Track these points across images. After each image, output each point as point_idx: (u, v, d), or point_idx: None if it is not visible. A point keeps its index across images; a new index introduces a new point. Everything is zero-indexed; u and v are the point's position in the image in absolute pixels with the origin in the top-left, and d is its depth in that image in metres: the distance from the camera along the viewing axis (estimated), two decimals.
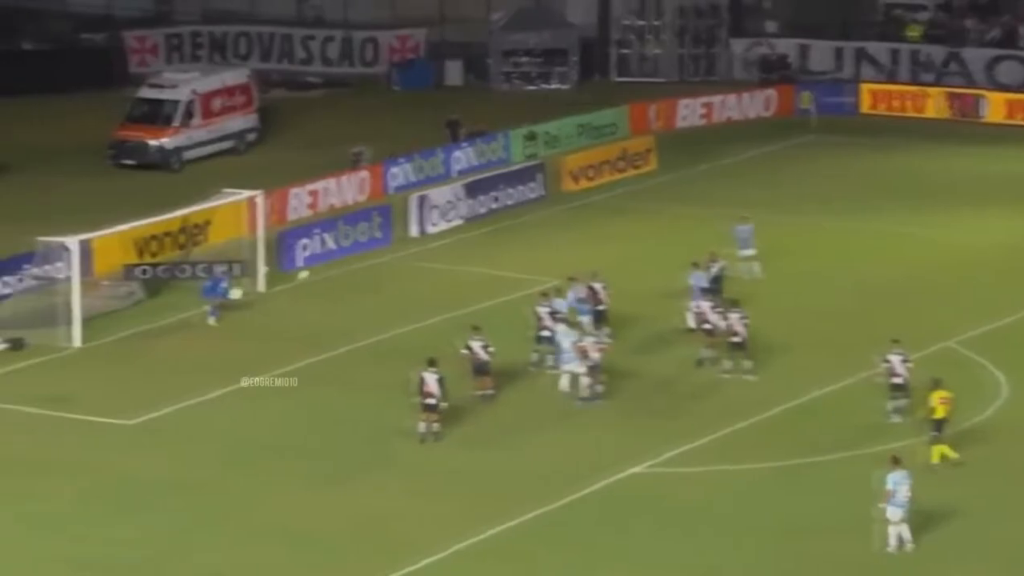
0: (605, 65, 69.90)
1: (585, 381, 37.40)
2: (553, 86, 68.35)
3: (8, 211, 51.70)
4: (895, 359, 36.44)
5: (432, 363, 35.77)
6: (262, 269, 45.39)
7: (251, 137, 60.20)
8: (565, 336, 37.90)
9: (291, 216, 50.97)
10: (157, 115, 57.88)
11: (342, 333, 41.77)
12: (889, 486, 30.97)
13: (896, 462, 31.33)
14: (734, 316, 38.89)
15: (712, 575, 30.86)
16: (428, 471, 34.67)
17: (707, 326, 39.62)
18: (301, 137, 61.26)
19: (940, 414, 34.42)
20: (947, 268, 47.25)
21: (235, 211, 46.53)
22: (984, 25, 68.74)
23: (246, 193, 46.23)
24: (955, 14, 69.89)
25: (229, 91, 59.51)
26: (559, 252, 47.62)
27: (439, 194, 51.46)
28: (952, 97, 64.53)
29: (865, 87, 65.55)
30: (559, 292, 40.81)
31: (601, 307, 41.02)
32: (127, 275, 44.47)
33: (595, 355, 37.37)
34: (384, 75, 69.57)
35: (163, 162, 57.29)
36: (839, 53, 68.44)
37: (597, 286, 41.29)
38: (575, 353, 37.39)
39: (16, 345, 41.10)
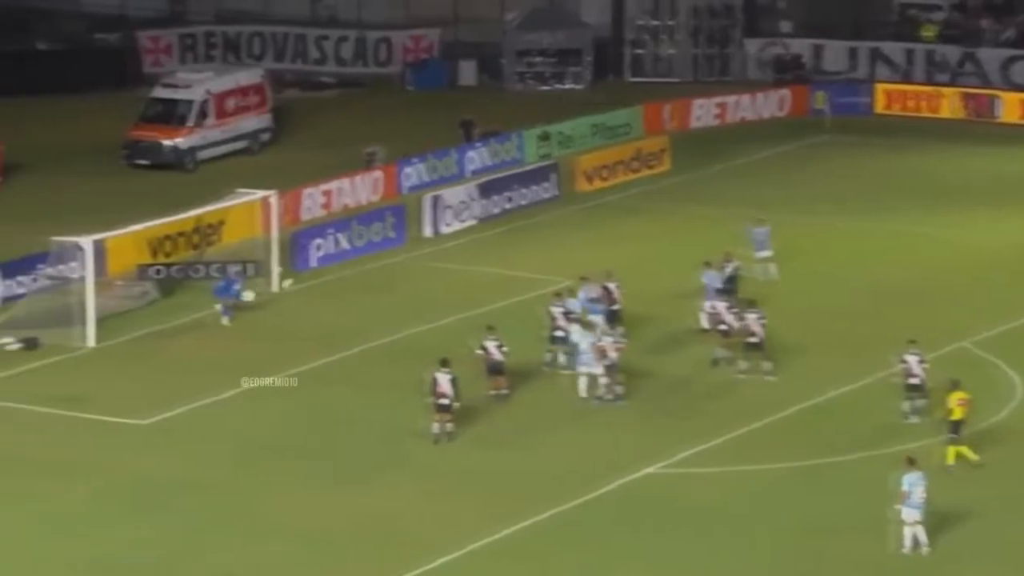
0: (619, 65, 69.83)
1: (604, 381, 37.34)
2: (567, 86, 68.29)
3: (22, 211, 51.76)
4: (912, 359, 36.36)
5: (444, 363, 35.73)
6: (276, 269, 45.38)
7: (265, 137, 60.19)
8: (583, 337, 37.83)
9: (305, 216, 50.96)
10: (171, 115, 57.89)
11: (356, 333, 41.75)
12: (905, 487, 30.88)
13: (911, 463, 31.24)
14: (752, 316, 38.79)
15: (727, 575, 30.87)
16: (442, 471, 34.64)
17: (723, 327, 39.53)
18: (315, 137, 61.26)
19: (958, 415, 34.33)
20: (962, 268, 47.14)
21: (249, 211, 46.53)
22: (999, 25, 68.58)
23: (260, 193, 46.22)
24: (970, 14, 69.74)
25: (243, 91, 59.51)
26: (573, 252, 47.57)
27: (453, 194, 51.42)
28: (967, 97, 64.39)
29: (880, 87, 65.42)
30: (572, 292, 40.76)
31: (615, 307, 40.98)
32: (141, 275, 44.48)
33: (613, 355, 37.31)
34: (398, 75, 69.55)
35: (177, 162, 57.30)
36: (853, 53, 68.32)
37: (611, 286, 41.26)
38: (594, 354, 37.32)
39: (30, 345, 41.12)
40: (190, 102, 58.09)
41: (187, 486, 33.96)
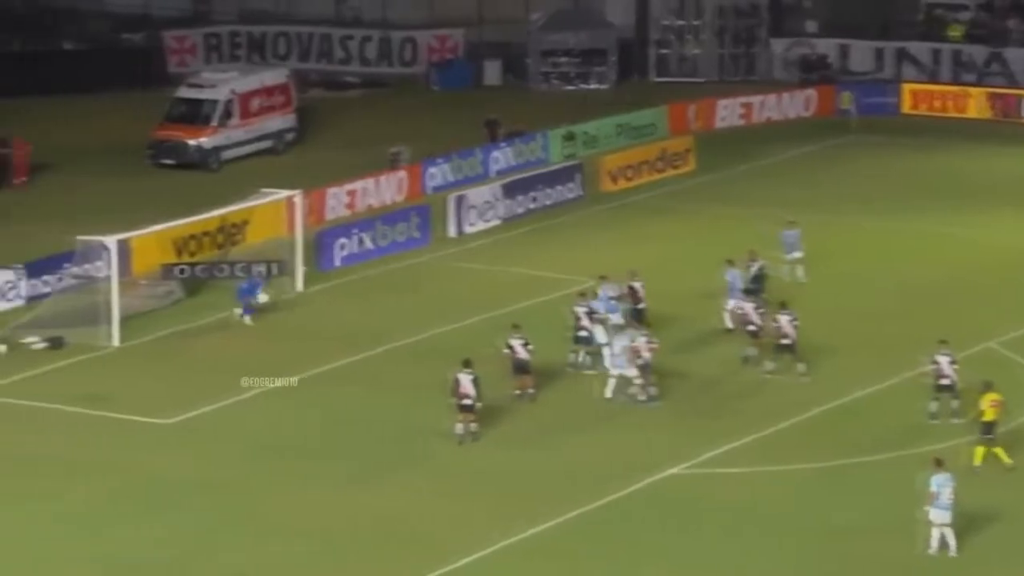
0: (644, 65, 69.70)
1: (638, 382, 37.25)
2: (592, 86, 68.18)
3: (48, 210, 51.86)
4: (943, 360, 36.23)
5: (467, 364, 35.66)
6: (300, 269, 45.35)
7: (289, 137, 60.19)
8: (618, 340, 37.68)
9: (329, 216, 50.94)
10: (196, 115, 57.92)
11: (380, 333, 41.70)
12: (933, 488, 30.74)
13: (939, 464, 31.10)
14: (784, 319, 38.62)
15: (755, 575, 30.74)
16: (466, 471, 34.57)
17: (751, 327, 39.40)
18: (339, 137, 61.25)
19: (990, 416, 34.20)
20: (988, 269, 46.92)
21: (273, 211, 46.51)
22: None
23: (284, 193, 46.21)
24: (997, 14, 69.46)
25: (268, 91, 59.51)
26: (597, 252, 47.46)
27: (477, 194, 51.36)
28: (994, 97, 64.14)
29: (906, 87, 65.21)
30: (596, 293, 40.64)
31: (641, 305, 40.90)
32: (165, 274, 44.49)
33: (647, 355, 37.22)
34: (423, 75, 69.53)
35: (201, 162, 57.34)
36: (879, 53, 68.12)
37: (636, 285, 41.19)
38: (628, 355, 37.19)
39: (55, 344, 41.16)
40: (215, 102, 58.12)
41: (208, 485, 33.95)
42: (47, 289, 43.81)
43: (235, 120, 58.32)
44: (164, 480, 34.14)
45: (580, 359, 39.36)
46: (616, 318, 39.68)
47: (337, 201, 51.71)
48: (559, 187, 53.41)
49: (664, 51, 69.68)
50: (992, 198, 53.69)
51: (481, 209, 51.04)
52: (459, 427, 35.68)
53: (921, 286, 45.36)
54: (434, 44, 70.50)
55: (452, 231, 50.21)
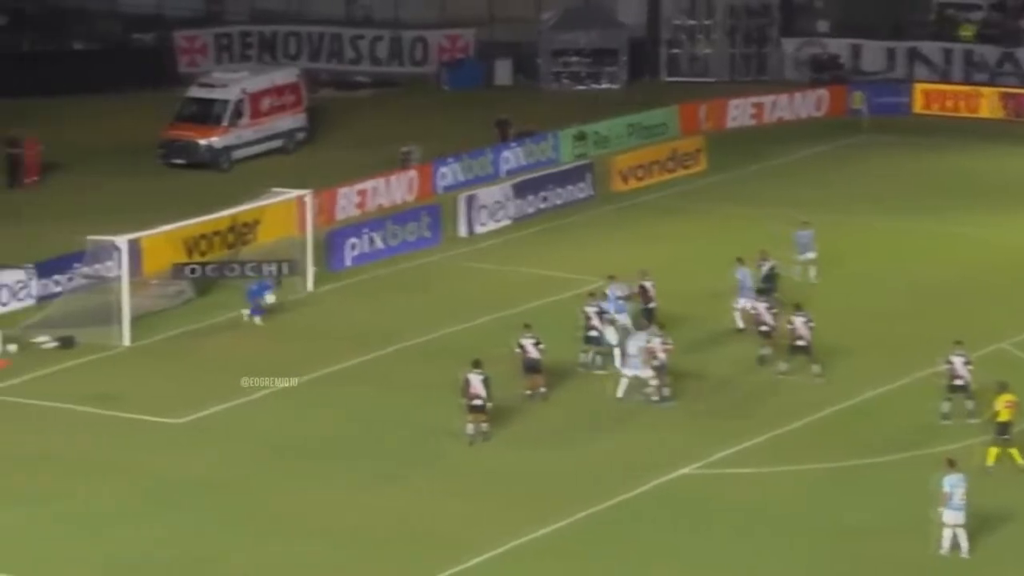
0: (655, 65, 69.61)
1: (653, 383, 37.18)
2: (603, 86, 68.10)
3: (59, 210, 51.85)
4: (957, 360, 36.17)
5: (477, 364, 35.61)
6: (311, 269, 45.32)
7: (300, 136, 60.18)
8: (633, 340, 37.59)
9: (340, 216, 50.91)
10: (207, 114, 57.91)
11: (390, 333, 41.66)
12: (946, 489, 30.66)
13: (952, 465, 31.01)
14: (799, 320, 38.52)
15: (766, 575, 30.67)
16: (477, 471, 34.52)
17: (764, 327, 39.32)
18: (350, 137, 61.22)
19: (1005, 417, 34.12)
20: (1001, 269, 46.79)
21: (284, 210, 46.51)
22: None
23: (295, 192, 46.18)
24: (1009, 14, 69.31)
25: (278, 90, 59.50)
26: (608, 252, 47.39)
27: (488, 194, 51.31)
28: (1006, 97, 64.01)
29: (918, 87, 65.09)
30: (606, 293, 40.58)
31: (651, 305, 40.85)
32: (176, 274, 44.48)
33: (662, 356, 37.17)
34: (433, 75, 69.47)
35: (212, 161, 57.33)
36: (891, 53, 68.00)
37: (647, 284, 41.15)
38: (643, 356, 37.12)
39: (66, 343, 41.16)
40: (225, 102, 58.11)
41: (218, 485, 33.91)
42: (58, 289, 43.81)
43: (246, 120, 58.31)
44: (174, 480, 34.12)
45: (591, 359, 39.29)
46: (623, 319, 39.61)
47: (348, 201, 51.69)
48: (570, 187, 53.35)
49: (675, 51, 69.58)
50: (1004, 198, 53.56)
51: (492, 209, 50.99)
52: (470, 427, 35.62)
53: (933, 286, 45.24)
54: (445, 44, 70.46)
55: (463, 231, 50.16)
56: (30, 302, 43.68)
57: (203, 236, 46.60)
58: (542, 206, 52.29)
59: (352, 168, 54.28)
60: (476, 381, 35.42)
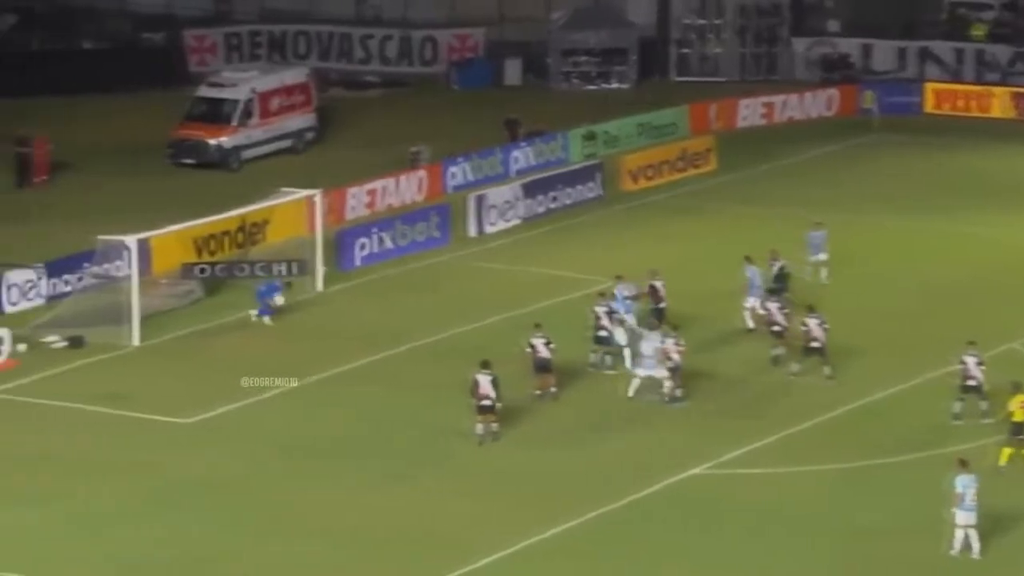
0: (665, 64, 69.46)
1: (668, 384, 37.08)
2: (613, 85, 67.97)
3: (68, 209, 51.81)
4: (970, 361, 36.07)
5: (485, 365, 35.53)
6: (320, 268, 45.25)
7: (309, 136, 60.10)
8: (648, 341, 37.48)
9: (349, 215, 50.83)
10: (216, 114, 57.84)
11: (400, 333, 41.59)
12: (958, 489, 30.55)
13: (964, 465, 30.91)
14: (813, 322, 38.39)
15: (779, 575, 30.56)
16: (488, 471, 34.45)
17: (776, 328, 39.22)
18: (359, 136, 61.15)
19: (1020, 417, 34.05)
20: (1011, 269, 46.64)
21: (293, 210, 46.44)
22: None
23: (304, 192, 46.12)
24: (1021, 13, 69.14)
25: (288, 90, 59.43)
26: (618, 252, 47.29)
27: (497, 194, 51.22)
28: (1018, 97, 63.80)
29: (929, 86, 64.92)
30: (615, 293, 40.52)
31: (661, 305, 40.77)
32: (185, 274, 44.42)
33: (676, 357, 37.07)
34: (443, 74, 69.37)
35: (222, 161, 57.26)
36: (902, 53, 67.82)
37: (657, 284, 41.07)
38: (658, 357, 37.01)
39: (75, 343, 41.11)
40: (235, 101, 58.03)
41: (226, 485, 33.86)
42: (67, 288, 43.77)
43: (255, 119, 58.24)
44: (183, 480, 34.06)
45: (600, 359, 39.20)
46: (629, 318, 39.51)
47: (357, 200, 51.60)
48: (579, 187, 53.25)
49: (685, 50, 69.43)
50: (1016, 198, 53.39)
51: (501, 209, 50.91)
52: (479, 428, 35.54)
53: (944, 286, 45.11)
54: (454, 43, 70.36)
55: (472, 231, 50.08)
56: (39, 302, 43.65)
57: (212, 236, 46.54)
58: (552, 206, 52.19)
59: (361, 168, 54.20)
60: (485, 382, 35.34)
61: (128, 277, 41.66)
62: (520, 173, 55.01)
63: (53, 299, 43.56)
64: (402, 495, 33.42)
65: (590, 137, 58.08)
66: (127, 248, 41.84)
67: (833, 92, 64.41)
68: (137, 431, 36.53)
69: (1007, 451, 33.93)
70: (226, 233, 46.93)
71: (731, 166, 56.45)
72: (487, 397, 35.34)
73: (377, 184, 52.48)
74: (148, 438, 36.20)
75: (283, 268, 43.91)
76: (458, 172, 54.64)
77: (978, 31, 68.01)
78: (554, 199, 52.37)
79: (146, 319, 41.80)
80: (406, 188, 53.17)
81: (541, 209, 51.87)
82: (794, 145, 59.17)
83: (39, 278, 43.94)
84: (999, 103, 63.74)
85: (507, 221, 50.89)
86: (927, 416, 36.56)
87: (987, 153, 58.87)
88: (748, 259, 41.88)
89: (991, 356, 38.03)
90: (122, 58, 67.90)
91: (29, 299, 43.67)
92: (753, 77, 68.44)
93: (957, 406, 36.19)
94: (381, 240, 47.94)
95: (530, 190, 51.88)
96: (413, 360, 40.19)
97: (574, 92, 67.42)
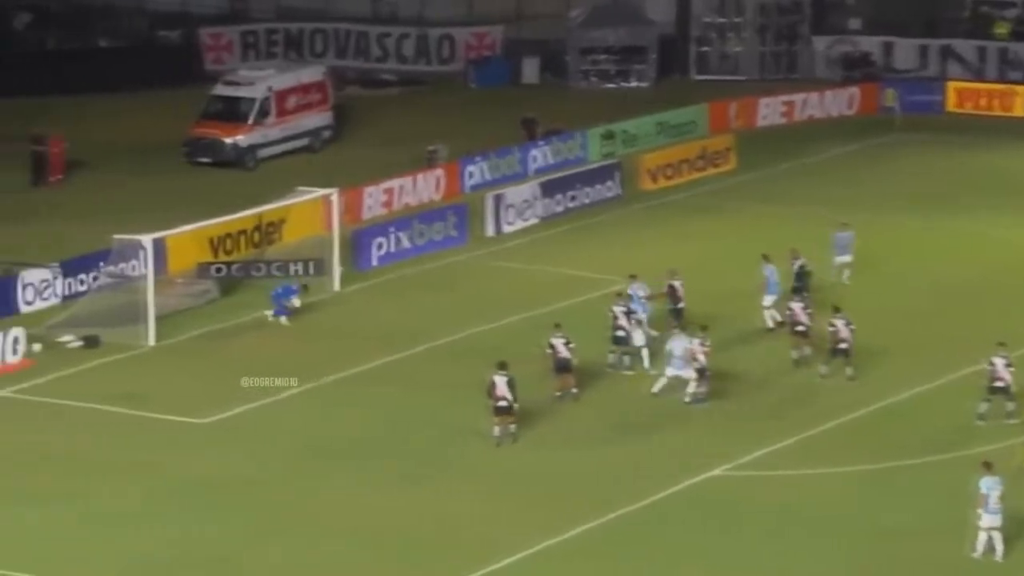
0: (684, 63, 69.13)
1: (693, 385, 36.85)
2: (632, 84, 67.65)
3: (84, 208, 51.66)
4: (999, 362, 35.81)
5: (502, 366, 35.29)
6: (337, 268, 45.01)
7: (326, 135, 59.88)
8: (678, 342, 37.16)
9: (366, 215, 50.61)
10: (232, 112, 57.64)
11: (417, 333, 41.35)
12: (983, 491, 30.28)
13: (988, 467, 30.64)
14: (840, 322, 38.05)
15: None
16: (506, 472, 34.23)
17: (800, 328, 38.92)
18: (376, 135, 60.93)
19: None
20: None
21: (310, 209, 46.23)
22: None
23: (321, 191, 45.89)
24: None
25: (304, 88, 59.21)
26: (636, 251, 47.03)
27: (515, 193, 50.96)
28: None
29: (951, 85, 64.53)
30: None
31: (680, 304, 40.49)
32: (201, 273, 44.23)
33: (701, 358, 36.81)
34: (461, 73, 69.12)
35: (238, 160, 57.06)
36: (924, 51, 67.45)
37: (676, 283, 40.81)
38: (686, 357, 36.70)
39: (91, 343, 40.92)
40: (251, 100, 57.82)
41: (244, 485, 33.68)
42: (83, 288, 43.61)
43: (272, 118, 58.03)
44: (198, 480, 33.87)
45: (619, 360, 38.92)
46: (643, 318, 39.23)
47: (374, 200, 51.37)
48: (598, 186, 52.96)
49: (705, 48, 69.08)
50: None
51: (519, 208, 50.63)
52: (496, 429, 35.30)
53: (965, 286, 44.78)
54: (472, 41, 70.11)
55: (490, 230, 49.81)
56: (55, 301, 43.49)
57: (228, 235, 46.34)
58: (570, 205, 51.91)
59: (379, 167, 53.98)
60: (501, 383, 35.10)
61: (144, 276, 41.48)
62: (538, 172, 54.74)
63: (68, 299, 43.40)
64: (419, 496, 33.19)
65: (609, 136, 57.78)
66: (143, 247, 41.66)
67: (854, 91, 64.04)
68: (153, 431, 36.35)
69: None
70: (242, 232, 46.72)
71: (751, 165, 56.13)
72: (504, 398, 35.10)
73: (394, 183, 52.24)
74: (164, 438, 36.01)
75: (300, 268, 43.70)
76: (476, 171, 54.37)
77: (1001, 29, 67.61)
78: (572, 198, 52.08)
79: (162, 319, 41.59)
80: (423, 187, 52.91)
81: (559, 208, 51.59)
82: (815, 144, 58.84)
83: (54, 277, 43.78)
84: (1022, 102, 63.34)
85: (525, 220, 50.62)
86: (951, 417, 36.25)
87: (1010, 152, 58.49)
88: (765, 257, 41.62)
89: (1017, 357, 37.62)
90: (138, 56, 67.75)
91: (44, 299, 43.50)
92: (773, 75, 68.08)
93: (983, 407, 35.86)
94: (398, 239, 47.69)
95: (548, 189, 51.60)
96: (430, 360, 39.95)
97: (593, 91, 67.12)
